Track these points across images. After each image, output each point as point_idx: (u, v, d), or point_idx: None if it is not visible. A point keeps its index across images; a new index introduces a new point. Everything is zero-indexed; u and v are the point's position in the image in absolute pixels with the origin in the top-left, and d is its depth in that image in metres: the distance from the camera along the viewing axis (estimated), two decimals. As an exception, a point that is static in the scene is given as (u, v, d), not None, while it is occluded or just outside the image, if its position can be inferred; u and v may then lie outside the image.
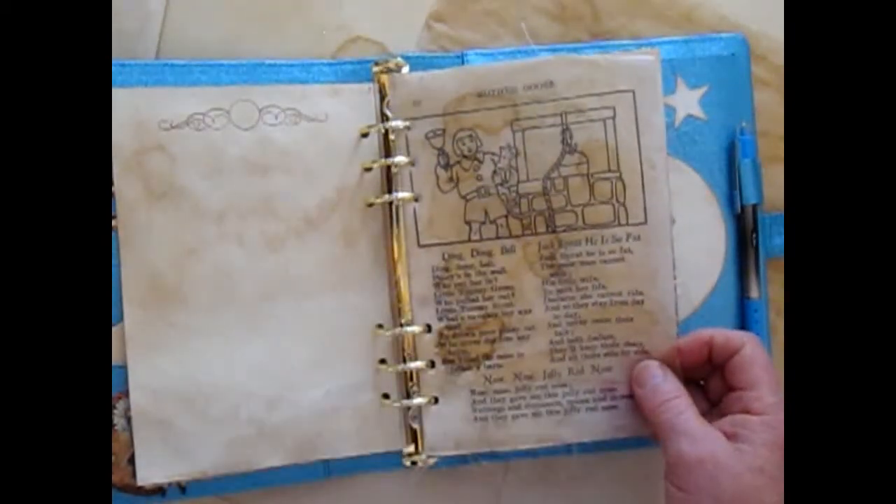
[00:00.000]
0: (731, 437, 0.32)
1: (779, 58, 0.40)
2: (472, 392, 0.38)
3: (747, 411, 0.33)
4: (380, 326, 0.39)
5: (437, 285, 0.38)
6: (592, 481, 0.41)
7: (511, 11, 0.41)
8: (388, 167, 0.38)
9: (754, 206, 0.39)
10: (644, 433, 0.37)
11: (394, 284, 0.38)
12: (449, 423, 0.38)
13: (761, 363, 0.34)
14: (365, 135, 0.39)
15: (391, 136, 0.38)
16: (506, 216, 0.38)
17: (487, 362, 0.38)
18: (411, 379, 0.38)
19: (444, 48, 0.41)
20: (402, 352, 0.38)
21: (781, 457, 0.31)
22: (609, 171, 0.37)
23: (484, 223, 0.38)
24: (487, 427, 0.38)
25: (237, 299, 0.37)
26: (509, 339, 0.38)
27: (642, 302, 0.37)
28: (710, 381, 0.37)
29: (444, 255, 0.38)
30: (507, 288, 0.38)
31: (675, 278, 0.37)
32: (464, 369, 0.38)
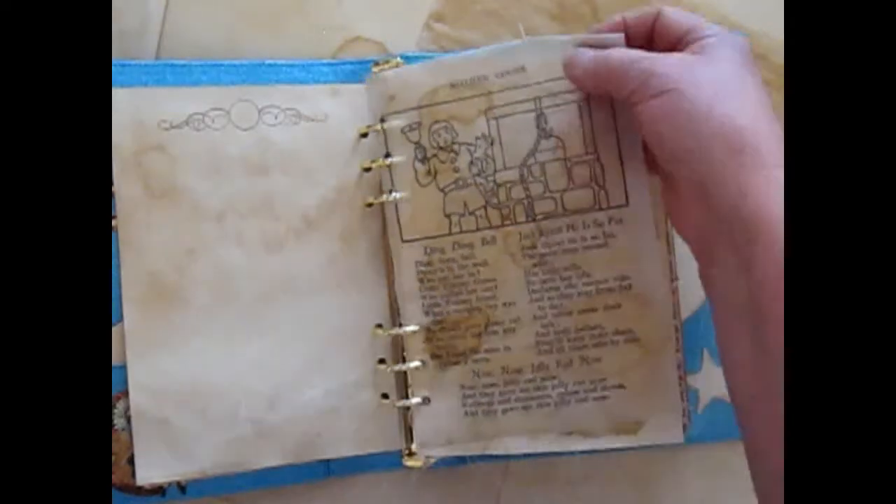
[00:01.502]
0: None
1: (779, 57, 0.40)
2: (462, 387, 0.37)
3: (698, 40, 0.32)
4: (379, 326, 0.39)
5: (420, 280, 0.38)
6: (592, 481, 0.41)
7: (511, 11, 0.41)
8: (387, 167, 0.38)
9: (754, 206, 0.38)
10: (638, 418, 0.36)
11: (391, 284, 0.38)
12: (440, 419, 0.38)
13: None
14: (364, 135, 0.39)
15: (369, 132, 0.38)
16: (484, 207, 0.37)
17: (475, 356, 0.37)
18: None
19: (444, 48, 0.41)
20: (400, 351, 0.38)
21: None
22: (586, 153, 0.36)
23: (463, 215, 0.37)
24: (478, 422, 0.37)
25: (237, 299, 0.37)
26: (495, 332, 0.37)
27: (630, 287, 0.36)
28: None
29: (426, 249, 0.37)
30: (489, 281, 0.37)
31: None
32: (452, 364, 0.38)
